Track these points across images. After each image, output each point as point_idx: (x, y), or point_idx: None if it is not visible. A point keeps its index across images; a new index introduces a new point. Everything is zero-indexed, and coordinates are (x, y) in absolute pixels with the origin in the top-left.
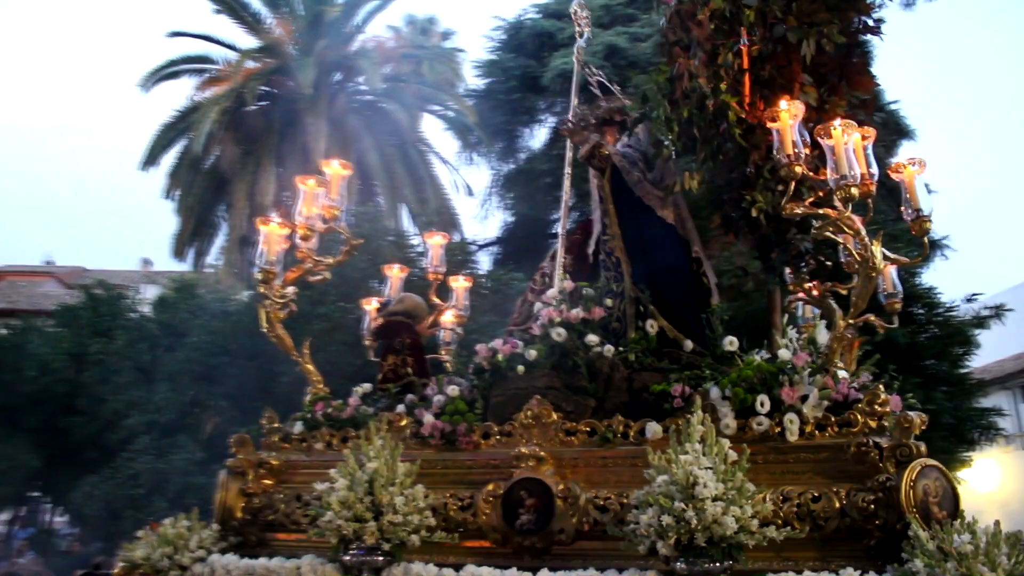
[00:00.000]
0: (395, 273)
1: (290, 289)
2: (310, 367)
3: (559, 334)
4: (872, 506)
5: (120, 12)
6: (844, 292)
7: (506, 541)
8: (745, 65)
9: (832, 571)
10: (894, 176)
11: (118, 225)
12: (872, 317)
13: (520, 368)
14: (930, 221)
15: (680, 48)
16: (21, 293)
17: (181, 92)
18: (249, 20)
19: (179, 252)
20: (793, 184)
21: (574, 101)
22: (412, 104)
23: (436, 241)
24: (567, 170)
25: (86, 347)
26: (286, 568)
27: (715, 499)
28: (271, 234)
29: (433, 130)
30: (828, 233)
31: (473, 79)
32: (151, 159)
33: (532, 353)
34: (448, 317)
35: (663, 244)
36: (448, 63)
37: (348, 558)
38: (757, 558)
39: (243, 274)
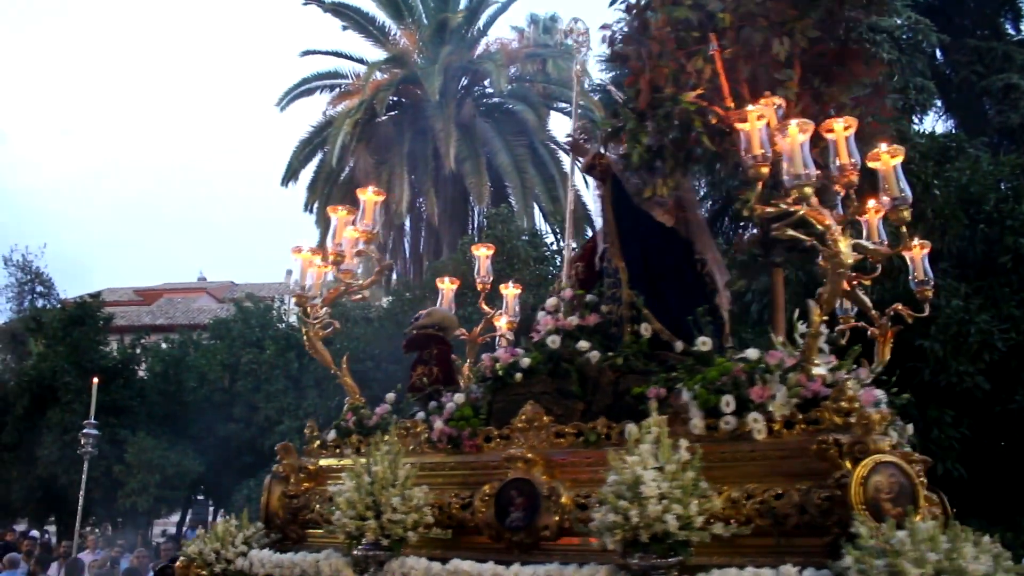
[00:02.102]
0: (446, 286)
1: (325, 309)
2: (348, 380)
3: (553, 341)
4: (827, 503)
5: (256, 36)
6: (868, 283)
7: (499, 537)
8: (720, 69)
9: (772, 567)
10: (870, 164)
11: (263, 240)
12: (899, 306)
13: (518, 375)
14: (908, 208)
15: (636, 62)
16: (178, 309)
17: (315, 108)
18: (376, 33)
19: (323, 260)
20: (760, 184)
21: (575, 115)
22: (539, 103)
23: (483, 253)
24: (570, 182)
25: (239, 358)
26: (307, 561)
27: (661, 498)
28: (304, 262)
29: (563, 127)
30: (792, 232)
31: (598, 73)
32: (291, 174)
33: (526, 361)
34: (503, 324)
35: (661, 247)
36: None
37: (357, 552)
38: (719, 552)
39: (382, 281)
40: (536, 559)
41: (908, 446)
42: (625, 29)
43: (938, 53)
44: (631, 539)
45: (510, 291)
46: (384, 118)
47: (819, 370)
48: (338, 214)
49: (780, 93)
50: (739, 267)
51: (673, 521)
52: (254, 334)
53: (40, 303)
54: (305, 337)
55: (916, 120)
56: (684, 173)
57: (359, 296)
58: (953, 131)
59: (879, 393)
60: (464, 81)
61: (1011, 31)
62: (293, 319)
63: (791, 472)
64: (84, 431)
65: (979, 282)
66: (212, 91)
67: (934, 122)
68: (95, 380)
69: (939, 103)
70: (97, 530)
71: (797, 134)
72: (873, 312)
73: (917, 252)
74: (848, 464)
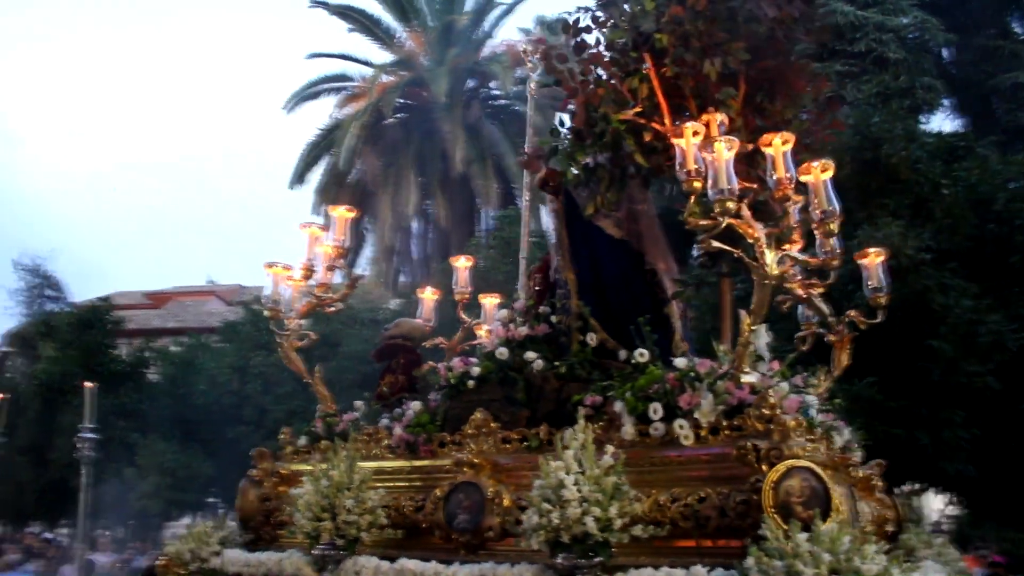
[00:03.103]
0: (427, 296)
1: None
2: (321, 388)
3: (501, 352)
4: (744, 506)
5: (262, 38)
6: (823, 290)
7: (448, 538)
8: (656, 88)
9: (684, 567)
10: (802, 178)
11: (271, 243)
12: (853, 313)
13: (470, 383)
14: (836, 221)
15: (570, 83)
16: (188, 312)
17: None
18: (382, 36)
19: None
20: (692, 197)
21: (530, 132)
22: (547, 104)
23: (462, 264)
24: (525, 196)
25: (248, 360)
26: (272, 560)
27: (581, 501)
28: (276, 276)
29: None
30: (717, 244)
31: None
32: (299, 177)
33: (476, 370)
34: (483, 333)
35: (609, 258)
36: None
37: (316, 552)
38: (644, 553)
39: (391, 283)
40: (481, 559)
41: (853, 449)
42: (562, 49)
43: (945, 52)
44: (553, 540)
45: (489, 300)
46: (391, 120)
47: (749, 378)
48: (310, 230)
49: (723, 110)
50: (693, 278)
51: (592, 523)
52: (263, 336)
53: (50, 307)
54: (281, 349)
55: (924, 120)
56: (620, 190)
57: (332, 308)
58: (961, 130)
59: (809, 399)
60: (471, 83)
61: (1018, 30)
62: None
63: (716, 477)
64: (81, 434)
65: (989, 282)
66: (219, 93)
67: (942, 121)
68: (88, 385)
69: (947, 102)
70: (108, 532)
71: (723, 150)
72: (830, 319)
73: (872, 260)
74: (764, 468)
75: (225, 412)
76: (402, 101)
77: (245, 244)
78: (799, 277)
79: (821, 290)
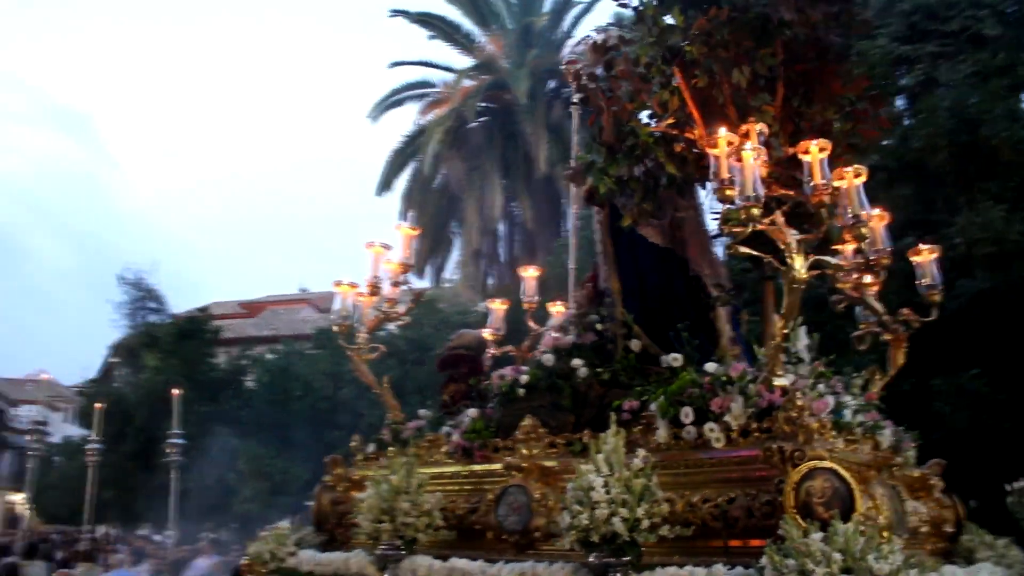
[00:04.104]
0: (497, 306)
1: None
2: (389, 398)
3: (548, 359)
4: (768, 507)
5: (345, 49)
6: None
7: (499, 538)
8: (688, 99)
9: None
10: (835, 183)
11: (361, 250)
12: (907, 311)
13: (520, 391)
14: (866, 226)
15: (596, 100)
16: (282, 320)
17: (406, 118)
18: (462, 41)
19: (418, 270)
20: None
21: (575, 146)
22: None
23: (530, 274)
24: (572, 209)
25: (342, 366)
26: (340, 559)
27: (609, 503)
28: (344, 294)
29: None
30: (744, 249)
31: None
32: (385, 184)
33: (524, 378)
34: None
35: (652, 266)
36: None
37: (378, 552)
38: (676, 551)
39: (479, 286)
40: (529, 559)
41: (906, 450)
42: (591, 68)
43: None
44: (584, 539)
45: (557, 307)
46: (474, 124)
47: (782, 380)
48: (374, 249)
49: (759, 117)
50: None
51: (619, 524)
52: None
53: (152, 318)
54: (353, 361)
55: None
56: (654, 200)
57: (401, 322)
58: None
59: (846, 400)
60: (552, 84)
61: None
62: (392, 327)
63: (746, 478)
64: (168, 440)
65: None
66: (308, 106)
67: None
68: (175, 392)
69: None
70: (213, 535)
71: (750, 159)
72: (886, 317)
73: (925, 257)
74: (789, 469)
75: (320, 417)
76: (484, 104)
77: (336, 251)
78: (855, 275)
79: (876, 288)
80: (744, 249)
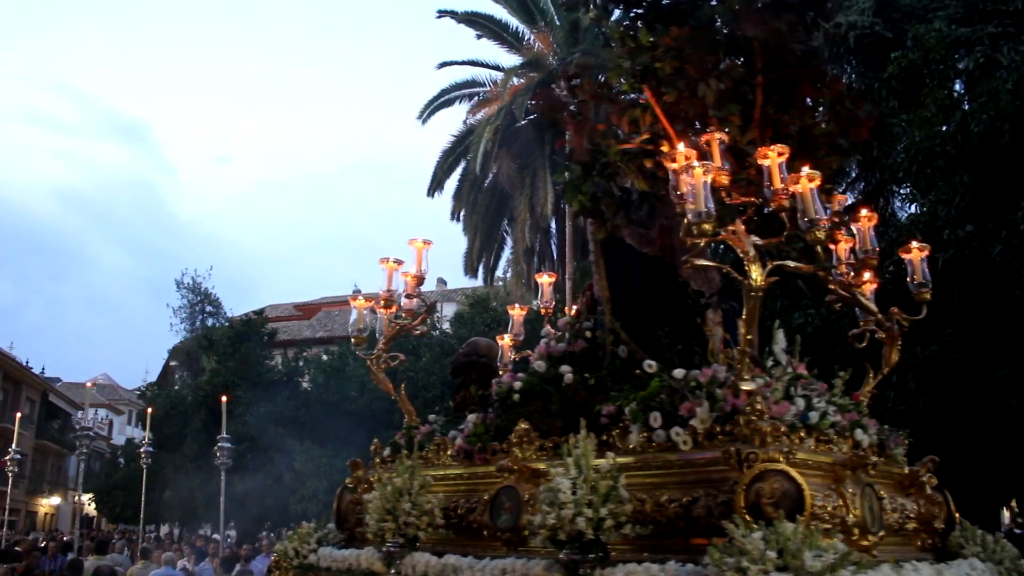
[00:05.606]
0: (516, 312)
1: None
2: (407, 404)
3: (539, 366)
4: (724, 507)
5: (393, 51)
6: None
7: (494, 537)
8: (659, 114)
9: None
10: (791, 188)
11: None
12: (895, 310)
13: (515, 396)
14: (823, 230)
15: (566, 123)
16: (336, 321)
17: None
18: (510, 39)
19: (470, 269)
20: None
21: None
22: None
23: (545, 280)
24: (568, 222)
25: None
26: (352, 556)
27: (576, 503)
28: (360, 307)
29: None
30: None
31: None
32: (436, 184)
33: (518, 384)
34: None
35: (640, 274)
36: None
37: (385, 549)
38: (645, 549)
39: (531, 283)
40: (519, 554)
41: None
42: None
43: None
44: (552, 538)
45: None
46: (524, 122)
47: (749, 385)
48: (388, 265)
49: (727, 127)
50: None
51: (583, 523)
52: (409, 342)
53: (210, 322)
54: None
55: None
56: (625, 215)
57: (419, 331)
58: None
59: (816, 402)
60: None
61: None
62: (446, 326)
63: (709, 479)
64: (219, 444)
65: None
66: (354, 108)
67: None
68: (224, 399)
69: None
70: (272, 535)
71: (700, 174)
72: (879, 315)
73: (916, 255)
74: (745, 471)
75: (376, 417)
76: (533, 102)
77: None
78: (851, 273)
79: (873, 287)
80: (700, 261)
